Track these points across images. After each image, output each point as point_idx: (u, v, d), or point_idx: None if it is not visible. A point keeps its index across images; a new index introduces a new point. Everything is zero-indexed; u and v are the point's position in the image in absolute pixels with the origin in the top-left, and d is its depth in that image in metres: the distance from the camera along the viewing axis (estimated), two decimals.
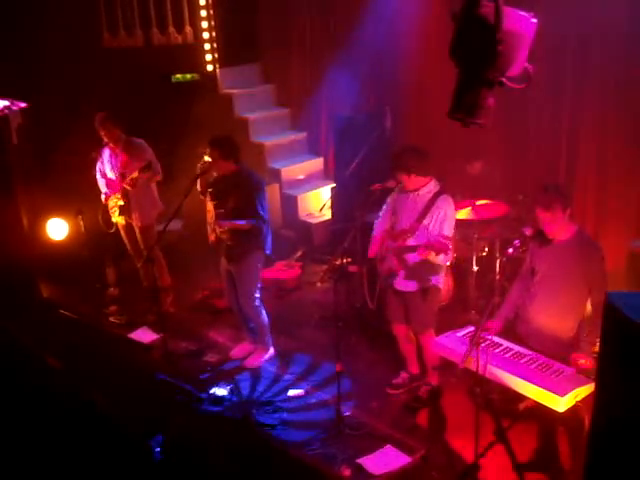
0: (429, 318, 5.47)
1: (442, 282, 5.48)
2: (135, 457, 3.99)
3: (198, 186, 5.90)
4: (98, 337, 6.20)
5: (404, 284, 5.39)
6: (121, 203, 6.78)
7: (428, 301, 5.41)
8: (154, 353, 6.31)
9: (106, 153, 6.84)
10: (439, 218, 5.17)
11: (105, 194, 6.86)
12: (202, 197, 6.00)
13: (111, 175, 6.82)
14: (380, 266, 5.53)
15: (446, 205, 5.20)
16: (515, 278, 4.88)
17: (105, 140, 6.73)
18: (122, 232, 7.05)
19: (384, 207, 5.63)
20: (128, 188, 6.62)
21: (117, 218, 6.89)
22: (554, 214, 4.35)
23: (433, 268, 5.31)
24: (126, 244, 7.12)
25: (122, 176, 6.72)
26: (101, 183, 6.90)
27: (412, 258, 5.25)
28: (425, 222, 5.20)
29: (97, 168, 6.91)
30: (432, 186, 5.28)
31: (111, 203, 6.84)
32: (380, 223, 5.58)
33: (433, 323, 5.49)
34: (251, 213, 5.71)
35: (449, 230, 5.17)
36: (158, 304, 6.40)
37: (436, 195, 5.23)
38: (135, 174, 6.53)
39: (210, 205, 5.88)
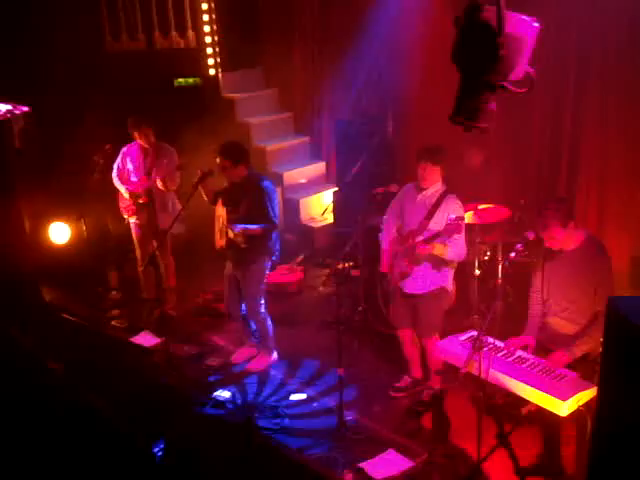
0: (437, 321, 5.49)
1: (451, 284, 5.51)
2: (137, 461, 3.98)
3: (204, 196, 5.94)
4: (100, 341, 6.20)
5: (414, 286, 5.40)
6: (140, 201, 6.82)
7: (437, 303, 5.44)
8: (156, 357, 6.31)
9: (132, 151, 6.85)
10: (447, 215, 5.20)
11: (128, 189, 6.83)
12: (213, 205, 6.00)
13: (133, 173, 6.85)
14: (391, 272, 5.54)
15: (453, 204, 5.27)
16: (530, 288, 4.86)
17: (140, 141, 6.74)
18: (134, 232, 7.07)
19: (388, 214, 5.63)
20: (160, 186, 6.67)
21: (131, 217, 6.94)
22: (552, 233, 4.38)
23: (443, 270, 5.36)
24: (135, 244, 7.13)
25: (148, 175, 6.75)
26: (118, 180, 6.89)
27: (423, 258, 5.28)
28: (434, 220, 5.25)
29: (116, 166, 6.90)
30: (439, 185, 5.35)
31: (130, 199, 6.86)
32: (386, 232, 5.59)
33: (440, 327, 5.50)
34: (263, 218, 5.72)
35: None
36: (161, 304, 6.40)
37: (443, 195, 5.30)
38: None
39: (221, 211, 5.87)
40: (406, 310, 5.56)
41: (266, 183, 5.85)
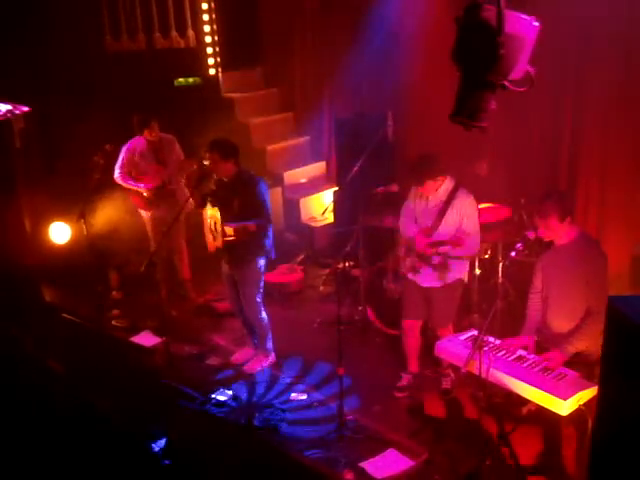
0: (452, 312, 5.54)
1: (466, 275, 5.53)
2: (137, 461, 3.98)
3: (192, 201, 5.89)
4: (100, 341, 6.20)
5: (431, 280, 5.40)
6: (165, 189, 6.91)
7: (453, 294, 5.46)
8: (156, 357, 6.31)
9: (139, 146, 6.89)
10: (460, 213, 5.24)
11: (146, 186, 6.89)
12: (199, 210, 5.93)
13: (147, 167, 6.89)
14: (403, 264, 5.54)
15: (465, 200, 5.26)
16: (529, 289, 4.87)
17: (149, 137, 6.83)
18: (149, 226, 7.11)
19: (404, 215, 5.54)
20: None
21: (144, 210, 7.01)
22: (548, 223, 4.40)
23: (457, 262, 5.36)
24: (150, 239, 7.15)
25: (164, 165, 6.88)
26: (127, 180, 6.90)
27: (436, 255, 5.28)
28: (445, 219, 5.24)
29: (120, 165, 6.91)
30: (447, 183, 5.32)
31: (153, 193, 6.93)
32: (408, 227, 5.50)
33: (454, 317, 5.58)
34: (257, 213, 5.71)
35: (470, 224, 5.24)
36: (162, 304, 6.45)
37: (453, 191, 5.27)
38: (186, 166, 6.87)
39: (212, 212, 5.83)
40: (420, 301, 5.53)
41: (257, 179, 5.84)
